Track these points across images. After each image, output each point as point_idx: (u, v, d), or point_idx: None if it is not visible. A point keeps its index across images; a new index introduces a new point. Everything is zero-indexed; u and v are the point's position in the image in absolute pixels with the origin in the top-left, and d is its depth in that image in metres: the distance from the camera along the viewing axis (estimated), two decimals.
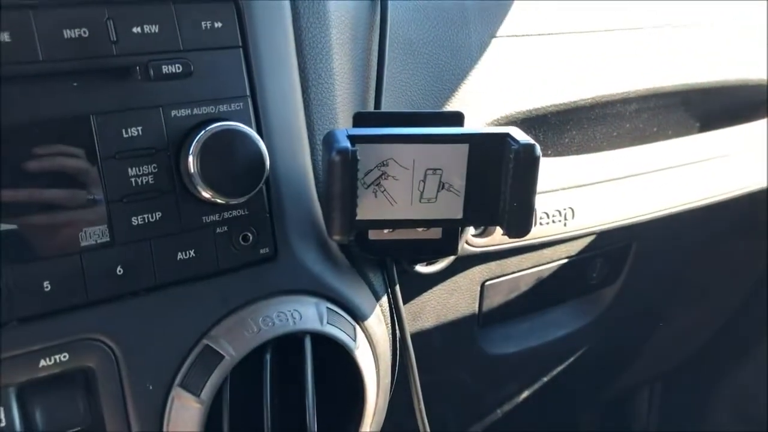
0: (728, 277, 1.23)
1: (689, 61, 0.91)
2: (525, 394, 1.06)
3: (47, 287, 0.49)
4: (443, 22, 0.73)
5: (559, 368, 1.06)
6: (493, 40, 0.75)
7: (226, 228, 0.55)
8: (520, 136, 0.55)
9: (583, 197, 0.79)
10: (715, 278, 1.20)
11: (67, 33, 0.48)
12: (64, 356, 0.50)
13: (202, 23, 0.53)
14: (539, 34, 0.79)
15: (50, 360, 0.49)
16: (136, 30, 0.50)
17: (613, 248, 0.93)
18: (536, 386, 1.06)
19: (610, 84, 0.84)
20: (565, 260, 0.88)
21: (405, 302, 0.70)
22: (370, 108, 0.66)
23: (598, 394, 1.32)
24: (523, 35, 0.78)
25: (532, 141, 0.54)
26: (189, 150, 0.51)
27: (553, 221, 0.76)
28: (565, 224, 0.78)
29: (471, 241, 0.71)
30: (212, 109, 0.53)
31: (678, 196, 0.88)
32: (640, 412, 1.45)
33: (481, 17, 0.75)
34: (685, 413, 1.43)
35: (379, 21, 0.66)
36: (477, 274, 0.79)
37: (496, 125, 0.74)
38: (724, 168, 0.92)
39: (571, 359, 1.05)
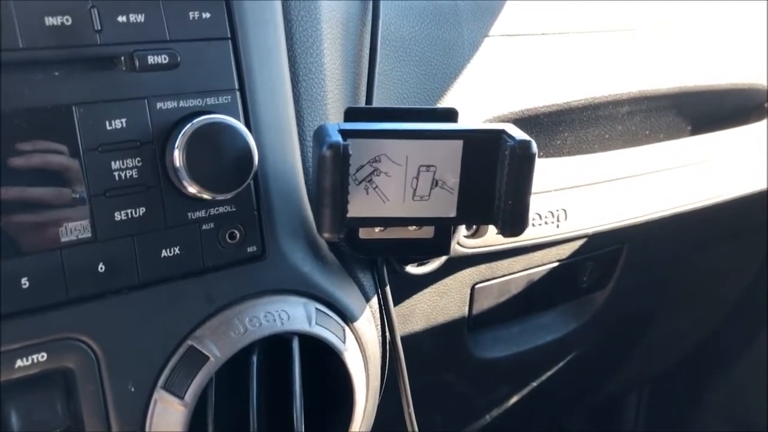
0: (719, 281, 1.23)
1: (682, 63, 0.90)
2: (514, 398, 1.05)
3: (25, 284, 0.47)
4: (436, 20, 0.72)
5: (549, 372, 1.05)
6: (486, 39, 0.75)
7: (212, 225, 0.53)
8: (516, 132, 0.54)
9: (576, 199, 0.78)
10: (706, 282, 1.20)
11: (49, 20, 0.46)
12: (42, 356, 0.48)
13: (190, 13, 0.51)
14: (532, 34, 0.78)
15: (27, 360, 0.47)
16: (121, 19, 0.49)
17: (604, 251, 0.92)
18: (526, 390, 1.05)
19: (603, 85, 0.83)
20: (556, 263, 0.87)
21: (395, 304, 0.69)
22: (361, 104, 0.64)
23: (587, 398, 1.32)
24: (515, 35, 0.77)
25: (528, 137, 0.53)
26: (175, 143, 0.49)
27: (546, 222, 0.76)
28: (557, 226, 0.77)
29: (462, 242, 0.70)
30: (199, 101, 0.52)
31: (670, 199, 0.88)
32: (629, 416, 1.44)
33: (473, 16, 0.74)
34: (673, 417, 1.43)
35: (371, 16, 0.65)
36: (467, 276, 0.78)
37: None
38: (716, 171, 0.92)
39: (561, 363, 1.04)
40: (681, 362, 1.36)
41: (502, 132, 0.54)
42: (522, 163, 0.53)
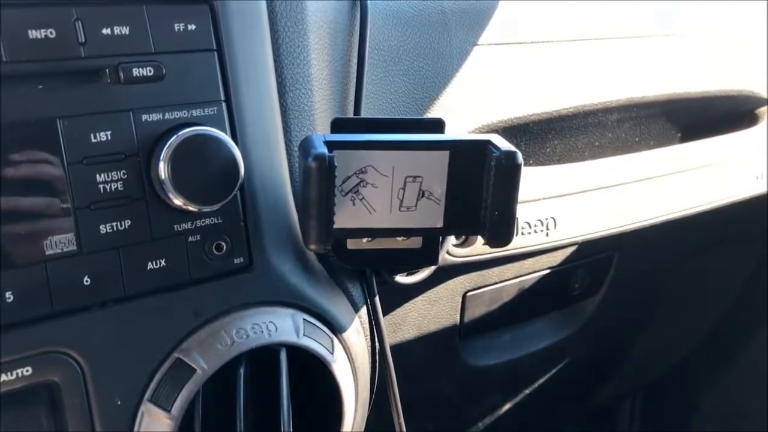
0: (711, 287, 1.23)
1: (671, 71, 0.91)
2: (507, 406, 1.05)
3: (9, 298, 0.47)
4: (424, 30, 0.72)
5: (541, 380, 1.05)
6: (475, 48, 0.75)
7: (198, 237, 0.53)
8: (502, 143, 0.54)
9: (565, 207, 0.78)
10: (698, 288, 1.20)
11: (33, 33, 0.46)
12: (27, 370, 0.48)
13: (175, 25, 0.51)
14: (521, 43, 0.79)
15: (12, 374, 0.47)
16: (106, 31, 0.48)
17: (595, 259, 0.92)
18: (518, 398, 1.05)
19: (592, 93, 0.83)
20: (547, 271, 0.87)
21: (385, 313, 0.69)
22: (350, 115, 0.64)
23: (580, 406, 1.32)
24: (504, 43, 0.77)
25: (513, 148, 0.53)
26: (160, 156, 0.49)
27: (535, 231, 0.75)
28: (547, 234, 0.77)
29: (452, 251, 0.70)
30: (185, 113, 0.52)
31: (660, 207, 0.88)
32: (623, 423, 1.44)
33: (462, 25, 0.74)
34: (667, 424, 1.43)
35: (359, 26, 0.65)
36: (458, 284, 0.78)
37: (478, 134, 0.73)
38: (705, 178, 0.92)
39: (554, 371, 1.04)
40: (675, 368, 1.36)
41: (488, 143, 0.54)
42: (508, 174, 0.53)
